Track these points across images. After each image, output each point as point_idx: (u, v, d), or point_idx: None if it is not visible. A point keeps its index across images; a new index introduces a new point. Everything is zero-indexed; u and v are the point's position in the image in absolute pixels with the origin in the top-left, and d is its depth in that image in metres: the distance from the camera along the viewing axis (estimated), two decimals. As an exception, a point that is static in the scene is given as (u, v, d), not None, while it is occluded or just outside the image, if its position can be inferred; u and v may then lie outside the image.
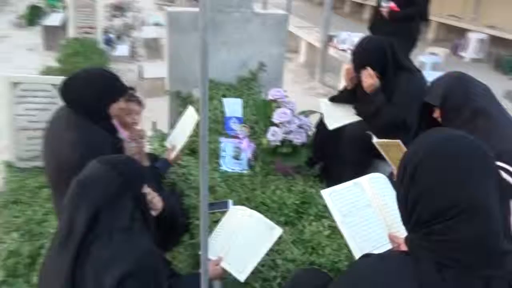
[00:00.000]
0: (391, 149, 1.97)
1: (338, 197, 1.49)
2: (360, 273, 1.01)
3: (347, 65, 2.76)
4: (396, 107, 2.50)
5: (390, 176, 2.27)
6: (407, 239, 1.00)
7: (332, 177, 2.75)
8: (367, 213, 1.47)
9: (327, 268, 1.81)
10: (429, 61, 6.97)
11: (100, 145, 1.87)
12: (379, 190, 1.54)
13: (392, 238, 1.39)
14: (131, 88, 2.22)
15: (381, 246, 1.40)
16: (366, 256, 1.08)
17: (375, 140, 2.04)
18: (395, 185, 1.70)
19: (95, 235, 1.29)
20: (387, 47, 2.53)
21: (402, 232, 1.41)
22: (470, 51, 8.19)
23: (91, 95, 1.86)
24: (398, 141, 1.90)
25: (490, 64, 7.69)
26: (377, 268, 0.98)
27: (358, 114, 2.73)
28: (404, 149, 1.91)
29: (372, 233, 1.44)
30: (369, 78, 2.53)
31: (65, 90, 1.91)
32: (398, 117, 2.49)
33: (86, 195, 1.32)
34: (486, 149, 0.96)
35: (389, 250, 1.15)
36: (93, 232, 1.29)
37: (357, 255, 1.39)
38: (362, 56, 2.59)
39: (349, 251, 1.89)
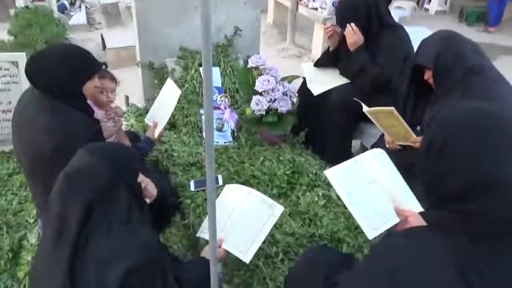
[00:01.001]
0: (384, 116, 1.93)
1: (341, 176, 1.45)
2: (391, 256, 0.95)
3: (328, 24, 2.65)
4: (380, 65, 2.45)
5: (380, 140, 2.26)
6: (427, 214, 0.98)
7: (317, 143, 2.71)
8: (372, 189, 1.44)
9: (327, 239, 1.80)
10: (396, 15, 6.93)
11: (77, 129, 1.73)
12: (381, 165, 1.51)
13: (399, 212, 1.37)
14: (104, 64, 2.05)
15: (389, 221, 1.38)
16: (390, 235, 1.04)
17: (365, 109, 1.98)
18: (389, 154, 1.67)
19: (91, 230, 1.19)
20: (372, 3, 2.45)
21: (406, 206, 1.39)
22: (435, 4, 8.21)
23: (64, 75, 1.69)
24: (392, 108, 1.86)
25: (453, 16, 7.75)
26: (407, 251, 0.93)
27: (342, 74, 2.66)
28: (398, 116, 1.87)
29: (380, 209, 1.41)
30: (353, 35, 2.45)
31: (33, 71, 1.72)
32: (383, 75, 2.44)
33: (77, 189, 1.21)
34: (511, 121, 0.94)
35: (410, 228, 1.10)
36: (89, 227, 1.19)
37: (366, 231, 1.37)
38: (347, 12, 2.49)
39: (346, 219, 1.89)
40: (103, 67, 2.05)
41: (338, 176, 1.43)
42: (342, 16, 2.52)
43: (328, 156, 2.58)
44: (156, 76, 2.92)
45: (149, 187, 1.47)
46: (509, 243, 0.87)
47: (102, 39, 5.38)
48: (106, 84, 2.10)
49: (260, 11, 3.24)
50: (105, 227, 1.20)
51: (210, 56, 0.84)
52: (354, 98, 2.15)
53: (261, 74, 2.50)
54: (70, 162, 1.27)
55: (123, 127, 2.41)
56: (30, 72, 1.71)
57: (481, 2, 7.53)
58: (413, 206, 1.38)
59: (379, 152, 1.53)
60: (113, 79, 2.16)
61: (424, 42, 1.96)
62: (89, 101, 1.96)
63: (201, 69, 2.81)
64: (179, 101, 2.69)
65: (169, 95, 2.23)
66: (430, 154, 0.94)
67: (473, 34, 6.50)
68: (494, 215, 0.86)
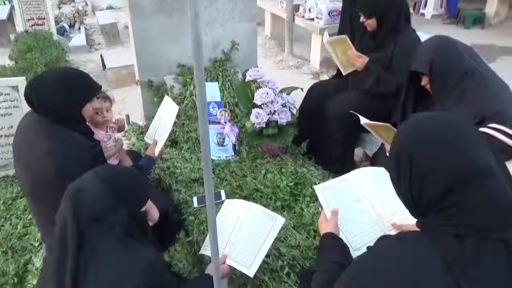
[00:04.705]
0: (381, 129, 1.94)
1: (330, 193, 1.46)
2: (381, 258, 0.97)
3: (350, 51, 2.58)
4: (391, 73, 2.44)
5: (382, 148, 2.25)
6: (418, 223, 0.99)
7: (320, 153, 2.71)
8: (357, 208, 1.45)
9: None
10: (393, 21, 6.96)
11: (78, 151, 1.73)
12: (364, 185, 1.52)
13: (398, 228, 1.39)
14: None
15: (374, 240, 1.39)
16: (384, 238, 1.05)
17: (363, 121, 1.98)
18: (387, 163, 1.67)
19: (88, 256, 1.17)
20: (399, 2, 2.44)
21: (400, 220, 1.38)
22: (430, 8, 8.24)
23: (63, 99, 1.69)
24: (388, 125, 1.88)
25: (450, 20, 7.75)
26: (397, 250, 0.95)
27: (357, 87, 2.64)
28: (395, 129, 1.88)
29: (364, 228, 1.41)
30: (360, 59, 2.47)
31: (32, 95, 1.73)
32: (395, 82, 2.42)
33: (73, 212, 1.19)
34: (465, 119, 1.00)
35: (402, 232, 1.12)
36: (86, 253, 1.17)
37: (350, 250, 1.36)
38: (371, 6, 2.45)
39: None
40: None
41: (325, 192, 1.45)
42: (364, 4, 2.48)
43: (331, 165, 2.57)
44: (155, 93, 2.93)
45: (152, 211, 1.46)
46: (494, 243, 0.88)
47: (102, 59, 5.43)
48: (101, 104, 2.11)
49: (257, 24, 3.26)
50: (104, 252, 1.18)
51: (202, 78, 0.85)
52: (350, 111, 2.14)
53: (260, 87, 2.51)
54: (74, 182, 1.26)
55: (125, 147, 2.42)
56: (29, 96, 1.72)
57: (477, 5, 7.55)
58: (410, 219, 1.38)
59: (363, 171, 1.54)
60: (106, 98, 2.16)
61: (419, 49, 1.97)
62: (88, 123, 1.97)
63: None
64: (179, 118, 2.71)
65: (167, 112, 2.24)
66: (401, 168, 0.97)
67: (471, 36, 6.50)
68: (475, 206, 0.88)
